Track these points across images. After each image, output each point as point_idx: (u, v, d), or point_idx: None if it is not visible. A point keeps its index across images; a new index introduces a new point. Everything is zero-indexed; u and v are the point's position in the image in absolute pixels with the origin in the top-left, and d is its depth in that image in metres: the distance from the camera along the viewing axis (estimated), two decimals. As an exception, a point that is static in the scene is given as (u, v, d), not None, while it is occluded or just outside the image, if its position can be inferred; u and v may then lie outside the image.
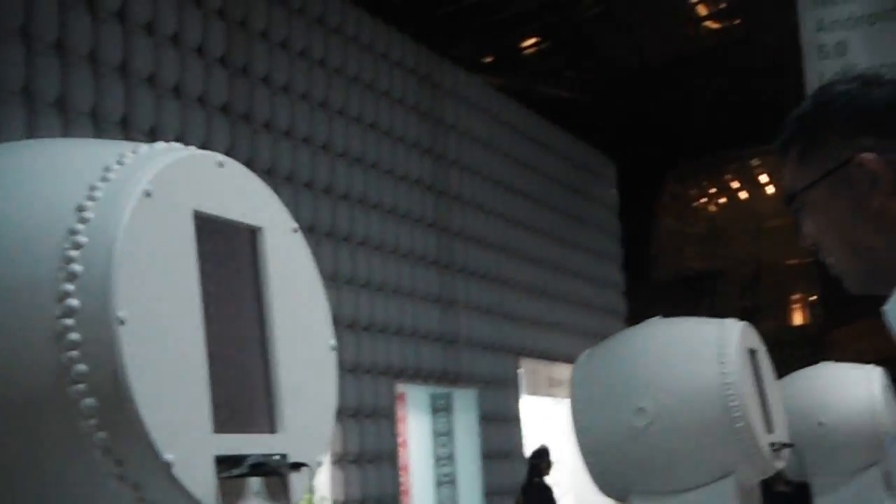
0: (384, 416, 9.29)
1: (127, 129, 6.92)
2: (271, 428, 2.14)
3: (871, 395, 6.83)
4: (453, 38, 11.35)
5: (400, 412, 9.84)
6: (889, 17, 6.31)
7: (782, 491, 9.14)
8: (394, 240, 9.72)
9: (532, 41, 12.73)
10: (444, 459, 10.42)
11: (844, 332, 17.15)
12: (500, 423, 11.04)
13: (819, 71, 6.56)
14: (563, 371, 12.35)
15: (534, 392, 11.86)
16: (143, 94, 7.11)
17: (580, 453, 4.88)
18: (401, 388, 9.75)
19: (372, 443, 9.06)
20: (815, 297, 21.01)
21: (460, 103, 11.14)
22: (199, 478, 1.92)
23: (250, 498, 2.05)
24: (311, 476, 2.15)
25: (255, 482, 2.05)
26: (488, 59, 12.58)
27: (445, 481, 10.37)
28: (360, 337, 9.03)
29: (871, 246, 1.67)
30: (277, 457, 2.08)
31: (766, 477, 4.96)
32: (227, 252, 2.16)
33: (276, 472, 2.05)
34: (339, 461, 8.62)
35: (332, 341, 2.35)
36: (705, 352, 4.65)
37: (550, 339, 12.32)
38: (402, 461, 9.80)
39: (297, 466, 2.12)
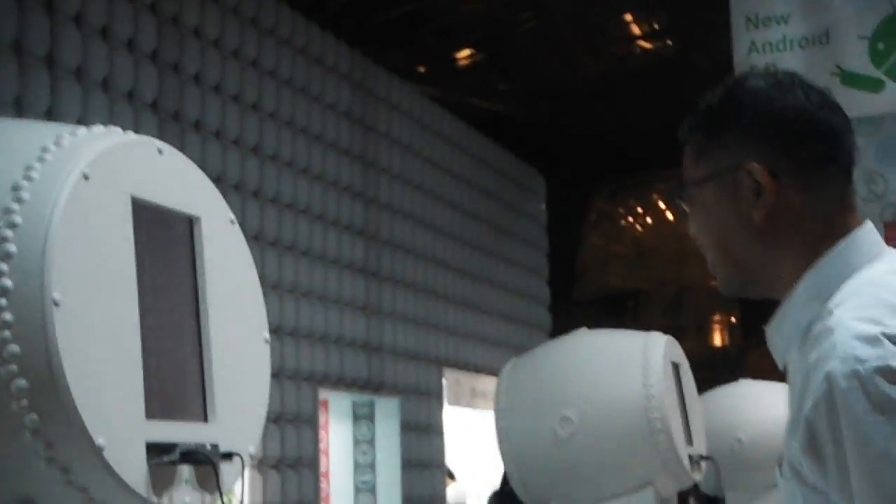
0: (306, 423, 9.25)
1: (53, 121, 6.83)
2: (203, 417, 2.13)
3: (787, 413, 6.94)
4: (388, 46, 11.35)
5: (322, 419, 9.80)
6: (820, 41, 6.44)
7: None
8: (321, 246, 9.69)
9: (467, 53, 12.78)
10: (364, 467, 10.40)
11: (762, 353, 17.37)
12: (421, 432, 11.04)
13: (749, 92, 6.66)
14: (486, 383, 12.38)
15: (456, 403, 11.88)
16: (69, 87, 7.02)
17: (503, 461, 4.90)
18: (323, 394, 9.71)
19: (293, 449, 9.01)
20: (734, 319, 21.30)
21: (393, 111, 11.14)
22: (130, 463, 1.91)
23: (180, 486, 2.03)
24: (243, 467, 2.14)
25: (185, 470, 2.04)
26: (422, 69, 12.61)
27: (365, 489, 10.35)
28: (283, 342, 8.98)
29: (744, 255, 1.67)
30: (209, 446, 2.07)
31: (684, 488, 5.03)
32: (163, 240, 2.15)
33: (207, 460, 2.04)
34: (259, 466, 8.56)
35: (266, 334, 2.34)
36: (630, 363, 4.70)
37: (474, 350, 12.35)
38: (322, 468, 9.76)
39: (228, 456, 2.11)
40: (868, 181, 7.76)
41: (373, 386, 10.31)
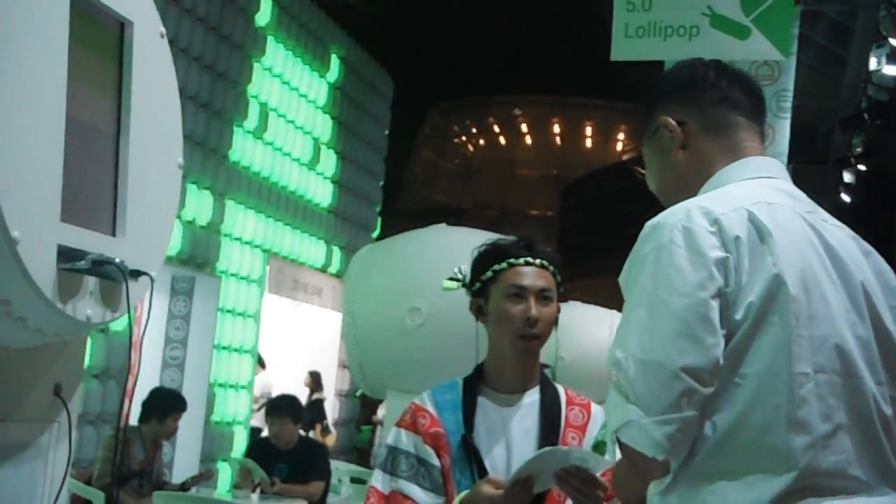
0: (124, 290, 9.03)
1: None
2: (112, 231, 2.04)
3: (611, 335, 7.14)
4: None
5: (140, 288, 9.59)
6: (701, -28, 6.51)
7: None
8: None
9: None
10: (176, 343, 10.24)
11: (582, 285, 17.80)
12: (238, 316, 10.93)
13: (625, 22, 6.72)
14: (308, 276, 12.34)
15: (277, 292, 11.80)
16: None
17: (347, 345, 4.89)
18: (145, 265, 9.49)
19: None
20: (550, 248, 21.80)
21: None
22: (41, 263, 1.82)
23: (85, 297, 1.95)
24: (151, 287, 2.07)
25: (91, 282, 1.95)
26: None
27: (173, 364, 10.20)
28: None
29: (674, 189, 2.08)
30: (118, 260, 1.98)
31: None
32: (94, 40, 2.03)
33: (117, 274, 1.96)
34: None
35: (181, 159, 2.25)
36: (486, 261, 4.72)
37: (301, 242, 12.26)
38: (133, 337, 9.56)
39: (136, 274, 2.03)
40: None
41: (195, 262, 10.13)
